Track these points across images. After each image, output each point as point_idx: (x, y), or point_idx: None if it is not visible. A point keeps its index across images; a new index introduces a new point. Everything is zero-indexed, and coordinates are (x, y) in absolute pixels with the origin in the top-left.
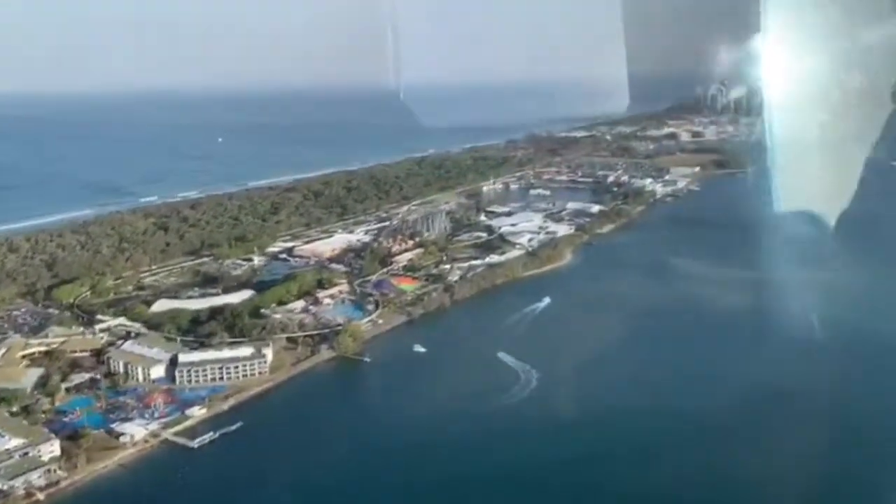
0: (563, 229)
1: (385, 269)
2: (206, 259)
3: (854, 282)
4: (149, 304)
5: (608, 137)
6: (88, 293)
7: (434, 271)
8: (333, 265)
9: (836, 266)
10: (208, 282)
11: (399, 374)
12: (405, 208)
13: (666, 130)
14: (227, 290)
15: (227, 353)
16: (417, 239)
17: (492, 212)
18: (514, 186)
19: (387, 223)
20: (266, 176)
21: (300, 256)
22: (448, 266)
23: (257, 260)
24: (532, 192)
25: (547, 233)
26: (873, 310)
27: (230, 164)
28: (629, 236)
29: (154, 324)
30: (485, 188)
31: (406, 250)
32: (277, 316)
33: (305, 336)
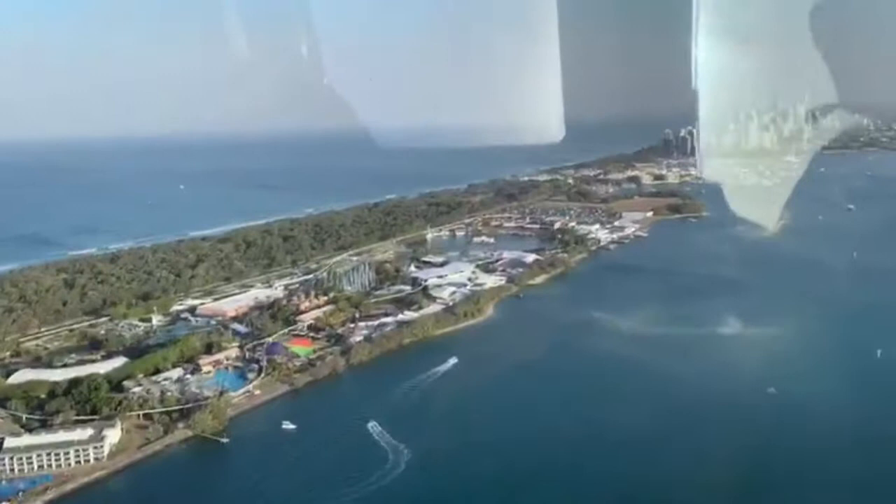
0: (492, 280)
1: (287, 330)
2: (103, 320)
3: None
4: (9, 374)
5: (570, 181)
6: None
7: (340, 331)
8: (236, 325)
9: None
10: (94, 346)
11: (254, 458)
12: (333, 260)
13: (628, 174)
14: (106, 357)
15: (61, 435)
16: (331, 294)
17: (427, 261)
18: (460, 234)
19: (311, 276)
20: (212, 224)
21: (203, 316)
22: (353, 325)
23: (156, 321)
24: (476, 239)
25: (475, 285)
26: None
27: (181, 212)
28: (560, 288)
29: (4, 398)
30: (428, 236)
31: (317, 307)
32: (137, 389)
33: (163, 413)
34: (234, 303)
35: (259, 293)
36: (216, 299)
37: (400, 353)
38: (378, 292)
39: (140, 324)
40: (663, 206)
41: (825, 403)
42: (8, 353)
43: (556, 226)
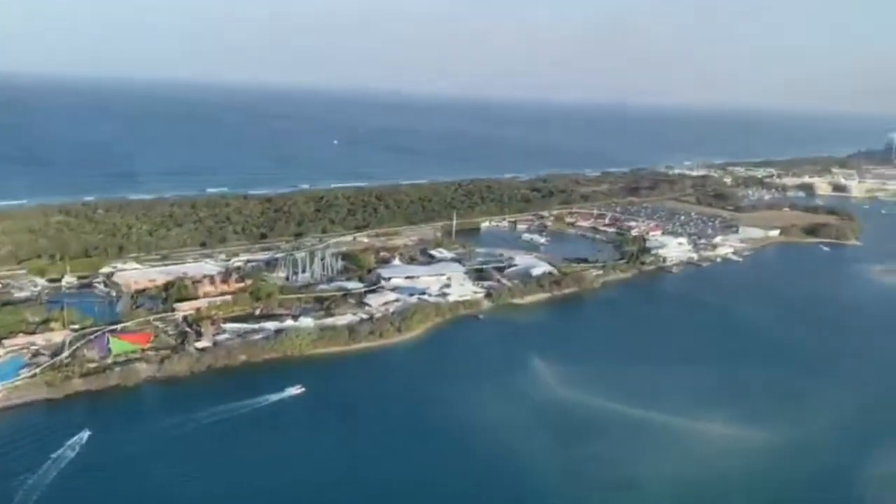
0: (464, 292)
1: (147, 318)
2: (22, 272)
3: None
4: None
5: (727, 179)
6: None
7: (203, 330)
8: (121, 301)
9: None
10: None
11: None
12: (334, 240)
13: (804, 179)
14: None
15: None
16: (248, 281)
17: (431, 255)
18: (521, 226)
19: (268, 255)
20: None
21: (111, 284)
22: (214, 326)
23: (65, 282)
24: (524, 236)
25: (441, 294)
26: None
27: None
28: (542, 315)
29: None
30: (483, 224)
31: (223, 293)
32: None
33: None
34: (145, 275)
35: (202, 267)
36: (157, 265)
37: (244, 369)
38: (320, 287)
39: (43, 283)
40: (801, 225)
41: None
42: None
43: (633, 232)
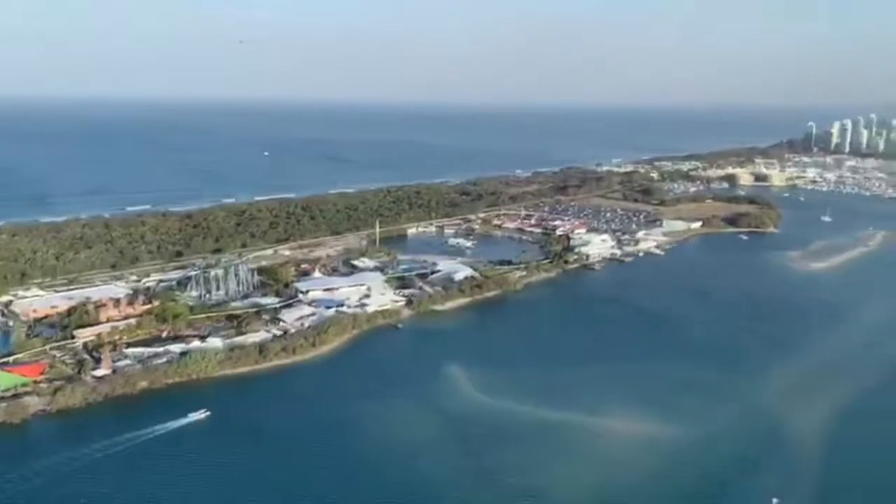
0: (384, 301)
1: (43, 348)
2: None
3: None
4: None
5: (654, 174)
6: None
7: (103, 356)
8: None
9: None
10: None
11: None
12: (252, 255)
13: (728, 171)
14: None
15: None
16: (156, 302)
17: (353, 265)
18: (448, 231)
19: (181, 273)
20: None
21: (10, 313)
22: (116, 352)
23: None
24: (450, 241)
25: (360, 305)
26: None
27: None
28: (462, 320)
29: None
30: (409, 231)
31: (127, 317)
32: None
33: None
34: (47, 302)
35: (110, 290)
36: (62, 290)
37: (138, 398)
38: (234, 304)
39: None
40: (721, 216)
41: None
42: None
43: (558, 232)
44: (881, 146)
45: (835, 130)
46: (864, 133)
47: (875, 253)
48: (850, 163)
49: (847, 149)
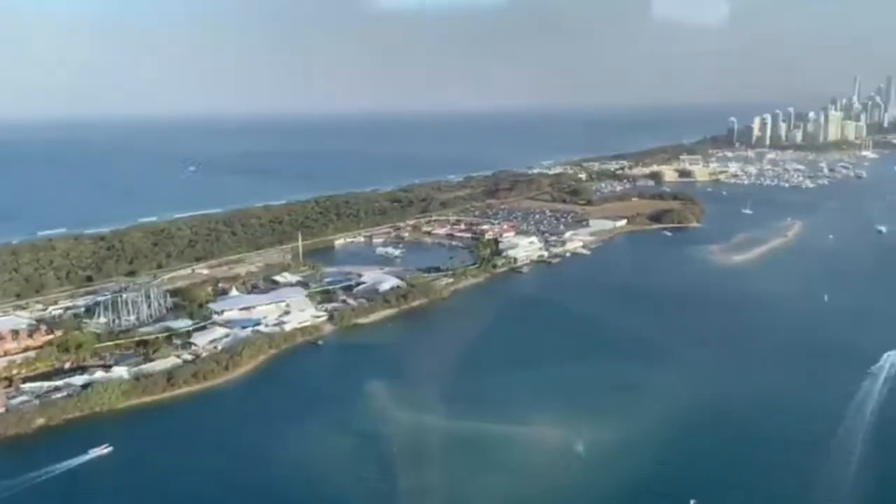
0: (304, 317)
1: None
2: None
3: None
4: None
5: (582, 175)
6: None
7: (8, 391)
8: None
9: None
10: None
11: None
12: (169, 276)
13: (653, 168)
14: None
15: None
16: (61, 331)
17: (275, 281)
18: (377, 240)
19: (91, 300)
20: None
21: None
22: (11, 388)
23: None
24: (378, 250)
25: (278, 323)
26: None
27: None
28: (388, 332)
29: None
30: (337, 243)
31: (28, 349)
32: None
33: None
34: None
35: (10, 321)
36: None
37: (33, 436)
38: (143, 329)
39: None
40: (646, 213)
41: None
42: None
43: (488, 235)
44: (799, 138)
45: (755, 125)
46: (783, 126)
47: (791, 243)
48: (771, 155)
49: (767, 142)
